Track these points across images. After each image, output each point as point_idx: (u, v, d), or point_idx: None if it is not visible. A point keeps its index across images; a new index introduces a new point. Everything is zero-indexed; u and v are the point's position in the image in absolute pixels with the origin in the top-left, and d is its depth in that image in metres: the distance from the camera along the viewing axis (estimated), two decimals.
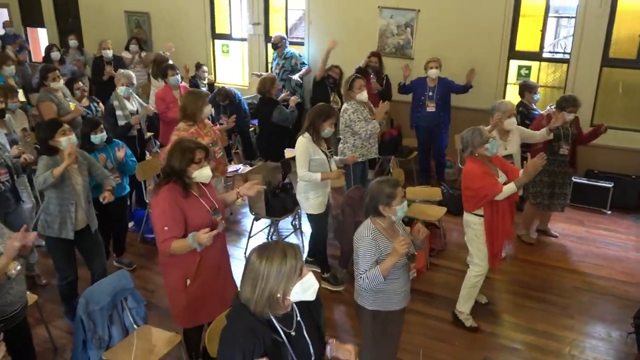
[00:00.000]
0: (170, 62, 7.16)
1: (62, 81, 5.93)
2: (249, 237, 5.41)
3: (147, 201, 5.64)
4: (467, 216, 4.12)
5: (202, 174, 3.26)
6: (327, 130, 4.43)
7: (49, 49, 8.20)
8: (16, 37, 9.72)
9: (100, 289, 3.37)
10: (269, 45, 8.42)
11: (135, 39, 8.42)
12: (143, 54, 8.42)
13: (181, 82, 6.30)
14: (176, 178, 3.19)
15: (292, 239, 5.70)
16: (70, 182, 3.91)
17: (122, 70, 5.97)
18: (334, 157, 4.74)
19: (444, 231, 5.50)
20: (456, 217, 5.38)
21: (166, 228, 3.09)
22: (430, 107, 6.41)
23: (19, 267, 2.98)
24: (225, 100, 7.07)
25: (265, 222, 5.66)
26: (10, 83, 6.25)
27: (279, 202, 5.14)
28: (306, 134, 4.43)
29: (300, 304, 2.12)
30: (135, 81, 6.01)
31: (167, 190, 3.16)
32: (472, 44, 6.97)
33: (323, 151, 4.49)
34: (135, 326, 3.53)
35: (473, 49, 6.95)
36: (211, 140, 4.81)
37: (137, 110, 5.75)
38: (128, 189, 5.00)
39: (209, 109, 4.93)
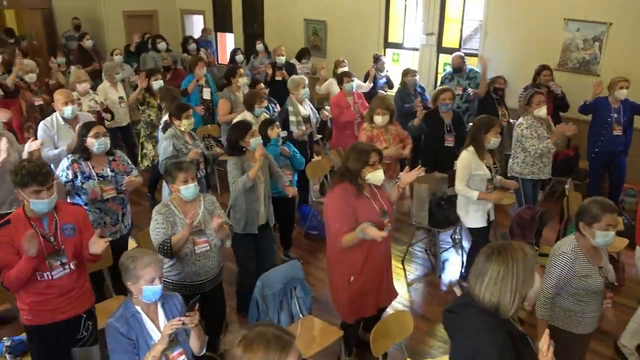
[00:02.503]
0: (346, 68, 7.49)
1: (246, 79, 6.50)
2: (409, 245, 5.43)
3: (314, 199, 5.93)
4: None
5: (376, 176, 3.40)
6: (492, 141, 4.29)
7: (234, 53, 8.98)
8: (207, 43, 10.80)
9: (275, 275, 3.63)
10: (441, 55, 8.39)
11: (304, 50, 8.86)
12: (311, 62, 8.85)
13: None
14: (350, 178, 3.36)
15: (451, 254, 5.60)
16: (255, 183, 4.23)
17: (295, 76, 6.32)
18: (497, 176, 4.54)
19: (622, 265, 5.00)
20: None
21: (338, 224, 3.29)
22: (617, 130, 5.82)
23: (205, 246, 3.42)
24: None
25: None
26: (201, 82, 6.99)
27: (442, 213, 5.07)
28: (470, 148, 4.34)
29: None
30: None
31: (341, 189, 3.37)
32: None
33: (488, 166, 4.34)
34: (300, 315, 3.75)
35: None
36: (388, 145, 4.95)
37: (309, 116, 6.04)
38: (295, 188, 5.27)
39: (379, 118, 5.10)
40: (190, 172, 3.45)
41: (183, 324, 2.68)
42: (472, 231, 4.66)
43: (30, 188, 2.84)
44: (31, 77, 6.40)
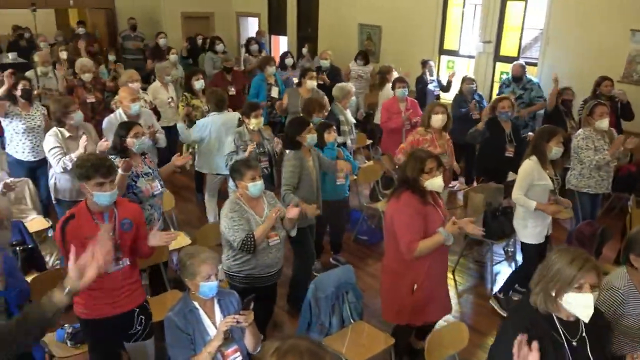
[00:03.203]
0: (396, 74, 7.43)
1: (315, 82, 6.59)
2: (460, 255, 5.34)
3: (364, 204, 5.91)
4: None
5: (434, 183, 3.33)
6: (554, 150, 4.17)
7: (284, 56, 9.02)
8: (261, 45, 10.93)
9: (329, 278, 3.64)
10: (497, 64, 8.22)
11: (362, 54, 8.85)
12: (370, 67, 8.84)
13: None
14: (412, 187, 3.31)
15: (503, 266, 5.46)
16: (310, 177, 4.31)
17: (343, 84, 6.29)
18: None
19: None
20: None
21: (411, 232, 3.22)
22: None
23: (277, 239, 3.56)
24: None
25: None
26: (270, 81, 7.10)
27: (497, 225, 4.96)
28: (533, 157, 4.24)
29: (590, 323, 2.15)
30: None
31: (408, 198, 3.29)
32: None
33: (550, 177, 4.23)
34: (351, 320, 3.73)
35: None
36: (442, 151, 4.90)
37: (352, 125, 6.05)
38: (347, 193, 5.25)
39: (438, 117, 5.08)
40: (258, 169, 3.55)
41: (237, 322, 2.71)
42: (526, 246, 4.48)
43: (93, 180, 2.92)
44: (87, 77, 6.56)
